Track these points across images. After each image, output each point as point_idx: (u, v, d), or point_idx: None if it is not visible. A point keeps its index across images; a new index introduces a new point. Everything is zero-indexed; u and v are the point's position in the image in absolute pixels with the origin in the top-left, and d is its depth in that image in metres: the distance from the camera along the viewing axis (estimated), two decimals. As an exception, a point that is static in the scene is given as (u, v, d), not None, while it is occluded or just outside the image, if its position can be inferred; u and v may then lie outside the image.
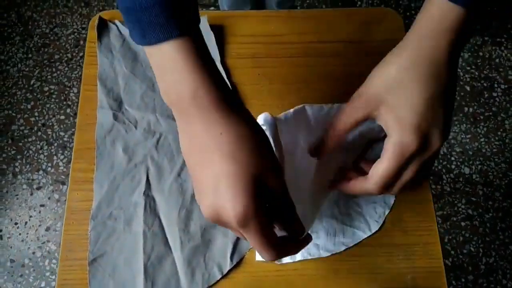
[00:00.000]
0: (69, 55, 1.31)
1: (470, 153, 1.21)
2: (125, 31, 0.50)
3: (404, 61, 0.34)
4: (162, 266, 0.42)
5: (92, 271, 0.42)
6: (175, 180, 0.45)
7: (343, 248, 0.43)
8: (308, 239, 0.35)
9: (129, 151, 0.46)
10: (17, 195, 1.15)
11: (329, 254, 0.42)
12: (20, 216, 1.13)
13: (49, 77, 1.27)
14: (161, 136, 0.47)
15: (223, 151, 0.30)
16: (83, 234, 0.43)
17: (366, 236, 0.43)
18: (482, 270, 1.09)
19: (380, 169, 0.34)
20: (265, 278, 0.42)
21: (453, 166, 1.19)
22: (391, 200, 0.45)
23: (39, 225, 1.11)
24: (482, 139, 1.22)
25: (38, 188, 1.15)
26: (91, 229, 0.43)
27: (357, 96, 0.36)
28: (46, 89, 1.26)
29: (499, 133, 1.23)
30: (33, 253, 1.09)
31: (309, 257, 0.42)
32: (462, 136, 1.22)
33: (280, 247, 0.31)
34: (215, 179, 0.30)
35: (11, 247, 1.10)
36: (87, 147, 0.46)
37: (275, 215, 0.32)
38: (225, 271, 0.42)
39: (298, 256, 0.42)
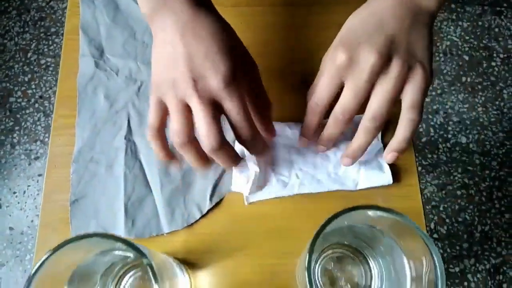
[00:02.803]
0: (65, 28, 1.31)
1: (468, 122, 1.20)
2: (107, -19, 0.50)
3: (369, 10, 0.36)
4: (142, 206, 0.43)
5: (73, 211, 0.42)
6: (156, 125, 0.45)
7: (318, 190, 0.43)
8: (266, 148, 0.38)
9: (111, 98, 0.46)
10: (15, 165, 1.17)
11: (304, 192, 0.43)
12: (18, 185, 1.15)
13: (45, 50, 1.28)
14: (142, 83, 0.47)
15: (198, 38, 0.32)
16: (65, 177, 0.44)
17: (347, 189, 0.42)
18: (477, 238, 1.09)
19: (317, 86, 0.37)
20: (244, 217, 0.43)
21: (449, 136, 1.19)
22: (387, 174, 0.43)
23: (37, 194, 1.13)
24: (479, 109, 1.21)
25: (36, 159, 1.17)
26: (72, 172, 0.44)
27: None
28: (43, 62, 1.27)
29: (497, 102, 1.22)
30: (32, 221, 1.11)
31: (285, 195, 0.42)
32: (459, 105, 1.22)
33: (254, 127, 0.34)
34: (187, 56, 0.31)
35: (10, 215, 1.12)
36: (70, 95, 0.47)
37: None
38: (204, 211, 0.42)
39: (272, 194, 0.43)
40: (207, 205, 0.43)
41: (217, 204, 0.43)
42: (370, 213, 0.27)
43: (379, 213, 0.27)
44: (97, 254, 0.32)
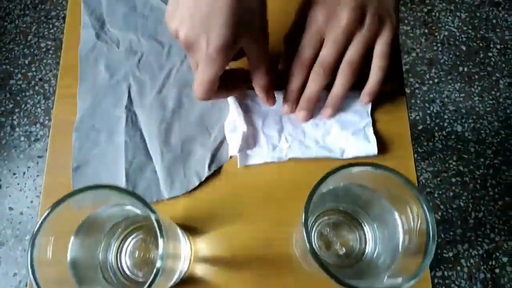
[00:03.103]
0: (65, 11, 1.32)
1: (463, 111, 1.21)
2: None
3: None
4: (143, 173, 0.44)
5: (75, 177, 0.43)
6: (156, 96, 0.46)
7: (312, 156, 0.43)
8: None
9: (111, 69, 0.47)
10: (15, 147, 1.17)
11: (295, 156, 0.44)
12: (18, 167, 1.16)
13: (46, 33, 1.28)
14: (143, 55, 0.48)
15: None
16: (68, 144, 0.45)
17: (334, 156, 0.43)
18: (471, 224, 1.11)
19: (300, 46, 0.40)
20: (241, 186, 0.44)
21: (445, 124, 1.20)
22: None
23: (37, 175, 1.14)
24: (476, 98, 1.23)
25: (36, 140, 1.18)
26: (74, 139, 0.45)
27: None
28: (43, 45, 1.27)
29: (493, 92, 1.23)
30: (31, 201, 1.12)
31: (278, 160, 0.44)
32: (456, 94, 1.23)
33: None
34: (189, 13, 0.32)
35: (9, 196, 1.13)
36: (72, 65, 0.48)
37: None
38: (203, 178, 0.43)
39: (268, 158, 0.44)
40: (205, 173, 0.44)
41: (216, 172, 0.44)
42: (363, 170, 0.28)
43: (370, 169, 0.28)
44: (102, 210, 0.33)
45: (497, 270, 1.07)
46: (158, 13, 0.49)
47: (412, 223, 0.29)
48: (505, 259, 1.08)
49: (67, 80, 0.47)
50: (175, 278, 0.38)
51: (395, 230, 0.32)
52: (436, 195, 1.13)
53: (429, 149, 1.17)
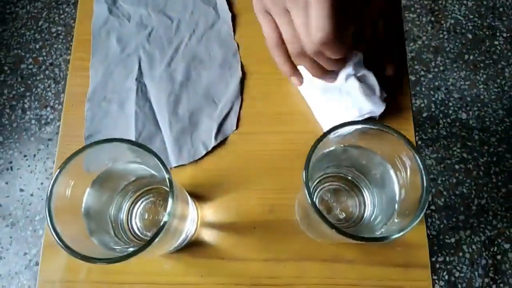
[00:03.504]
0: (75, -3, 1.34)
1: (468, 99, 1.22)
2: None
3: None
4: (152, 142, 0.46)
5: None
6: (166, 69, 0.48)
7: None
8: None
9: (123, 42, 0.49)
10: (26, 129, 1.20)
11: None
12: (29, 149, 1.18)
13: (56, 18, 1.31)
14: (153, 29, 0.49)
15: None
16: (80, 114, 0.47)
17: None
18: (474, 210, 1.12)
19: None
20: (246, 156, 0.45)
21: (450, 111, 1.21)
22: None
23: (47, 158, 1.17)
24: (481, 86, 1.23)
25: (46, 124, 1.20)
26: (87, 110, 0.47)
27: None
28: (53, 30, 1.30)
29: (498, 80, 1.23)
30: (42, 183, 1.15)
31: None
32: (461, 82, 1.23)
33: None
34: None
35: (20, 178, 1.16)
36: (86, 38, 0.49)
37: None
38: (209, 148, 0.45)
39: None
40: (212, 143, 0.45)
41: (222, 143, 0.46)
42: (358, 128, 0.30)
43: (364, 126, 0.29)
44: (117, 166, 0.35)
45: (498, 257, 1.09)
46: (167, -11, 0.51)
47: (407, 178, 0.30)
48: (507, 246, 1.09)
49: (80, 54, 0.49)
50: (181, 238, 0.39)
51: (392, 188, 0.33)
52: (439, 181, 1.14)
53: (433, 136, 1.18)
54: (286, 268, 0.42)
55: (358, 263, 0.42)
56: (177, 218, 0.33)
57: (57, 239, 0.27)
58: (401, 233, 0.27)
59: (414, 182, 0.30)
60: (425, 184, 0.28)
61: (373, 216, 0.38)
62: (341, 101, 0.44)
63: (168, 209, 0.29)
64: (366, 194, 0.40)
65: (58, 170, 0.29)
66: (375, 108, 0.43)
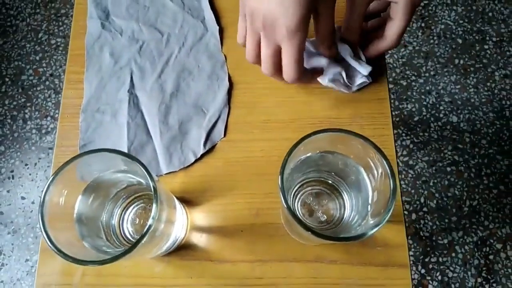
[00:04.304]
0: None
1: (459, 102, 1.24)
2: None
3: None
4: (143, 150, 0.48)
5: (82, 154, 0.48)
6: (156, 80, 0.50)
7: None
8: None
9: (115, 56, 0.51)
10: (27, 139, 1.23)
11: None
12: (30, 158, 1.21)
13: (56, 30, 1.34)
14: (144, 43, 0.52)
15: None
16: (75, 126, 0.49)
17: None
18: (466, 212, 1.14)
19: (395, 28, 0.43)
20: (233, 162, 0.48)
21: (441, 115, 1.23)
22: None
23: (48, 166, 1.19)
24: (471, 90, 1.25)
25: (46, 133, 1.23)
26: (81, 120, 0.49)
27: None
28: (53, 41, 1.33)
29: (488, 84, 1.26)
30: (42, 191, 1.17)
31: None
32: (451, 86, 1.26)
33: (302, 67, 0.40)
34: None
35: (21, 186, 1.19)
36: (80, 53, 0.52)
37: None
38: (198, 155, 0.48)
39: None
40: (201, 150, 0.48)
41: (210, 150, 0.48)
42: (330, 135, 0.32)
43: (334, 134, 0.32)
44: (107, 175, 0.37)
45: (491, 257, 1.10)
46: (158, 4, 0.53)
47: (378, 181, 0.32)
48: (499, 246, 1.11)
49: (74, 68, 0.52)
50: (170, 241, 0.42)
51: (366, 191, 0.35)
52: (431, 183, 1.16)
53: (425, 139, 1.20)
54: (272, 269, 0.44)
55: (341, 263, 0.44)
56: (163, 222, 0.35)
57: (49, 243, 0.29)
58: (369, 233, 0.29)
59: (384, 185, 0.32)
60: (391, 186, 0.30)
61: (351, 217, 0.40)
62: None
63: (152, 213, 0.31)
64: (346, 197, 0.42)
65: (51, 178, 0.31)
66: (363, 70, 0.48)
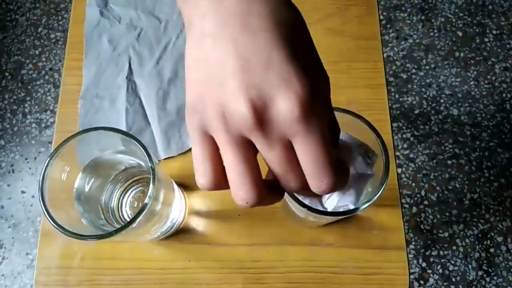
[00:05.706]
0: (74, 4, 1.38)
1: (460, 95, 1.24)
2: None
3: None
4: (142, 135, 0.48)
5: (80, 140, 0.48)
6: (154, 66, 0.51)
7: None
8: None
9: (114, 42, 0.52)
10: (26, 133, 1.23)
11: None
12: (29, 152, 1.21)
13: (55, 25, 1.34)
14: (142, 30, 0.52)
15: (254, 31, 0.19)
16: (74, 111, 0.49)
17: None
18: (466, 205, 1.14)
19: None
20: (231, 147, 0.48)
21: (441, 108, 1.23)
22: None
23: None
24: (471, 82, 1.25)
25: (46, 127, 1.24)
26: (80, 106, 0.49)
27: None
28: (52, 36, 1.33)
29: (489, 76, 1.26)
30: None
31: None
32: (452, 79, 1.26)
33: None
34: (239, 64, 0.19)
35: (21, 180, 1.19)
36: (79, 40, 0.52)
37: None
38: (196, 140, 0.48)
39: None
40: (199, 135, 0.48)
41: (208, 135, 0.48)
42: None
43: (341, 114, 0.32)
44: (107, 154, 0.37)
45: (491, 250, 1.10)
46: (155, -8, 0.53)
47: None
48: (499, 239, 1.11)
49: (73, 55, 0.52)
50: (168, 224, 0.42)
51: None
52: (432, 177, 1.16)
53: (426, 132, 1.20)
54: (269, 252, 0.44)
55: (337, 246, 0.44)
56: (160, 203, 0.35)
57: (49, 218, 0.30)
58: (362, 208, 0.30)
59: (380, 163, 0.32)
60: (384, 160, 0.30)
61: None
62: None
63: (149, 192, 0.32)
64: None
65: (51, 155, 0.31)
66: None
